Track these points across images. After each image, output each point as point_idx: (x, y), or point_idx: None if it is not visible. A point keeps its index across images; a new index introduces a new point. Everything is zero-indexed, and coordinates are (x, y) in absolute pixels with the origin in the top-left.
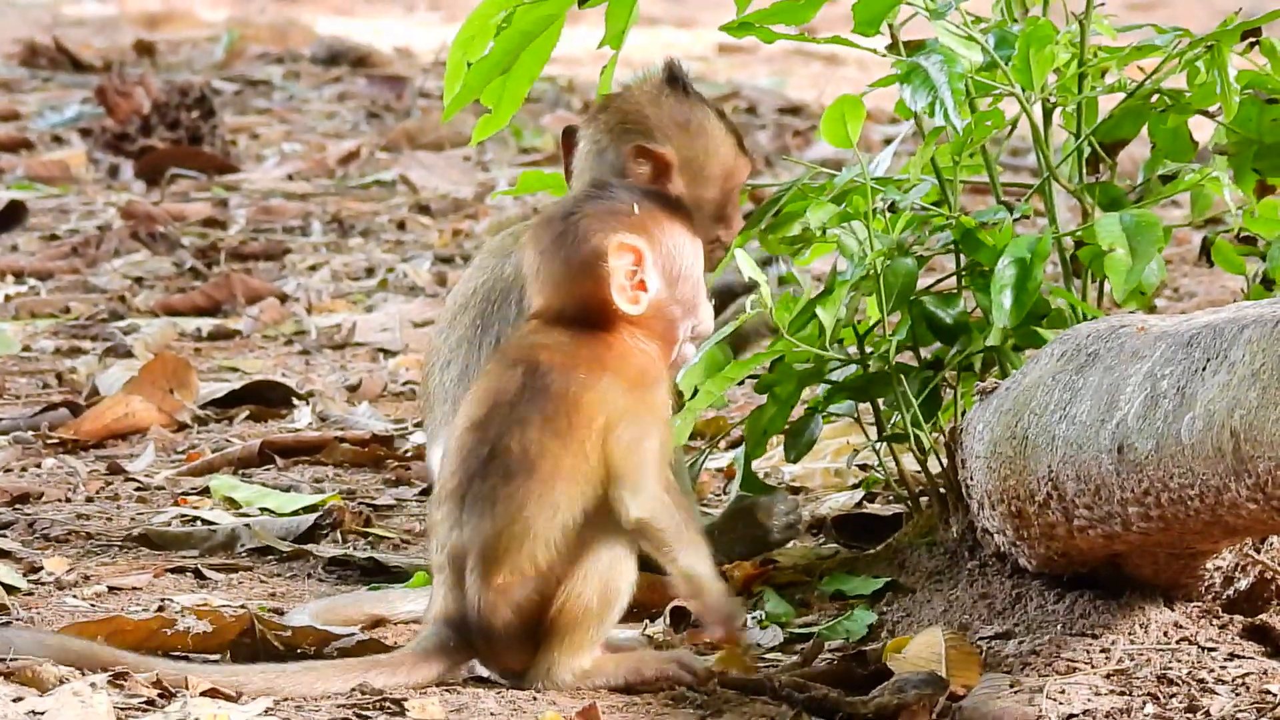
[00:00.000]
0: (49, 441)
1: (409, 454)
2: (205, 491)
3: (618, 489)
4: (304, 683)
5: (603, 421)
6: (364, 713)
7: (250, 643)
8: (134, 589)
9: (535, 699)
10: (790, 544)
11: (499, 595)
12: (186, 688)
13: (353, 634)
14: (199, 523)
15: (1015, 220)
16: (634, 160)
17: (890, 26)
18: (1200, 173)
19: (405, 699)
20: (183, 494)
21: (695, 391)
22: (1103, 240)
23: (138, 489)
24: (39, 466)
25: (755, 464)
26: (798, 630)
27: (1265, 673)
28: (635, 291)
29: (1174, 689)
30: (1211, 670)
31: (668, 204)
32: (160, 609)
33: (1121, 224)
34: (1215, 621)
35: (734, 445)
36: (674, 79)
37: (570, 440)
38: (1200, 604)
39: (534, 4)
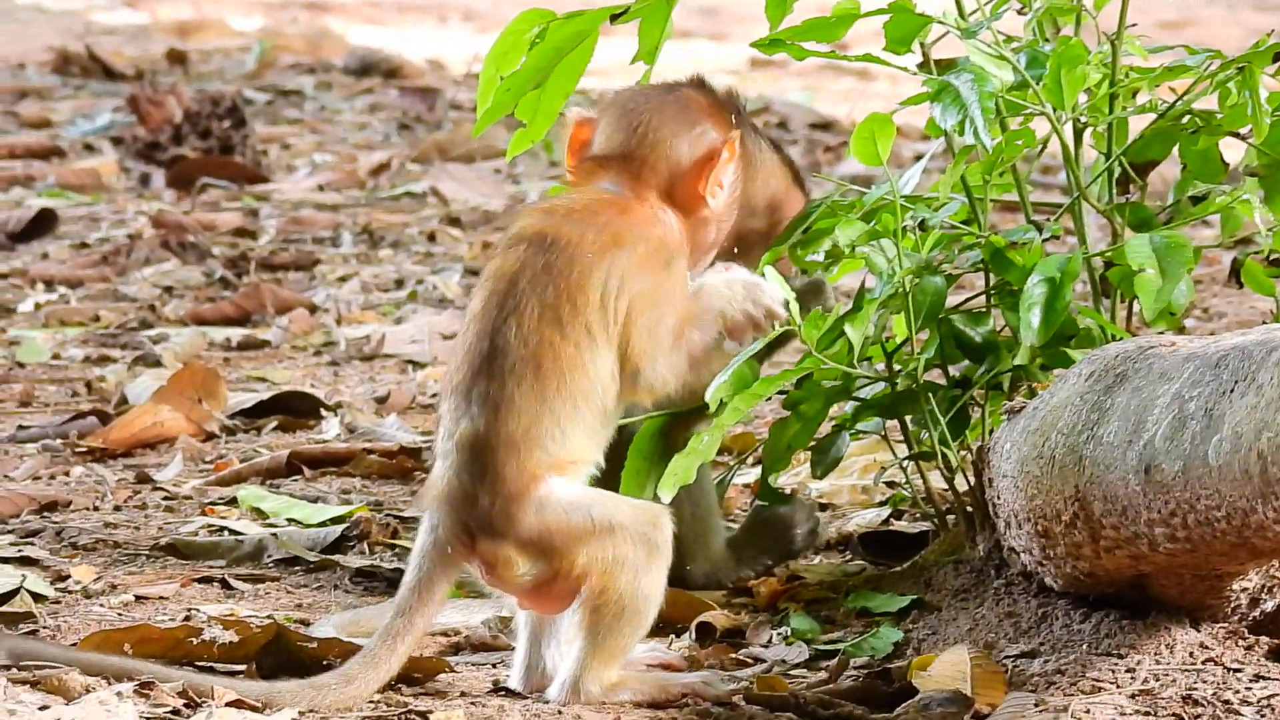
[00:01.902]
0: (77, 450)
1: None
2: (233, 501)
3: (632, 378)
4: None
5: (613, 302)
6: None
7: (276, 653)
8: (161, 598)
9: (560, 713)
10: (815, 558)
11: (511, 501)
12: (212, 698)
13: None
14: (226, 533)
15: (1045, 240)
16: None
17: (921, 45)
18: (1231, 194)
19: (430, 711)
20: (210, 504)
21: (722, 405)
22: (1132, 261)
23: (165, 498)
24: (67, 475)
25: (782, 479)
26: (823, 647)
27: None
28: (715, 187)
29: (1199, 710)
30: (1237, 691)
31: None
32: (187, 618)
33: (1151, 245)
34: (1241, 643)
35: (761, 461)
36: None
37: (573, 328)
38: (1226, 625)
39: (567, 19)
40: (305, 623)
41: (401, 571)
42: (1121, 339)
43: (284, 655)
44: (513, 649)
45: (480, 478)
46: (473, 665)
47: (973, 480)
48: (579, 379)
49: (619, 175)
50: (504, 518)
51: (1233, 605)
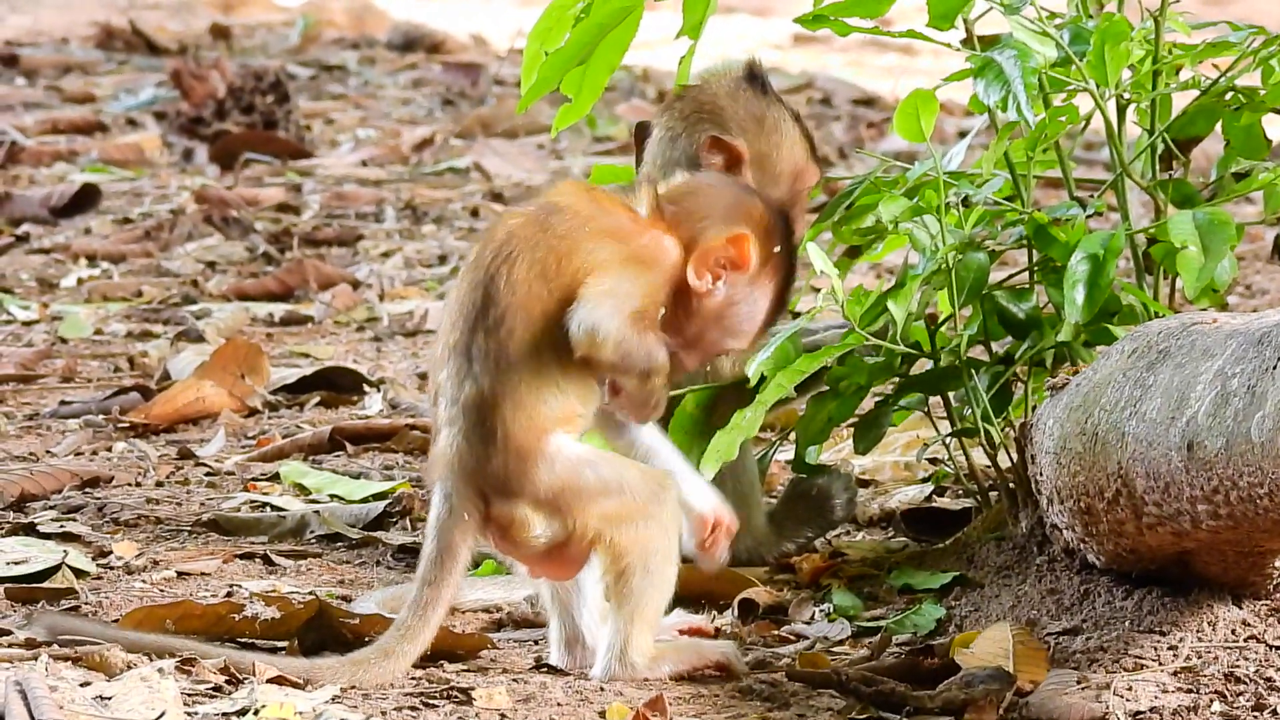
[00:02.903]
0: (120, 425)
1: None
2: (275, 477)
3: (569, 317)
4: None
5: (586, 270)
6: (431, 700)
7: (318, 630)
8: (203, 574)
9: (602, 690)
10: (858, 535)
11: (523, 458)
12: (254, 674)
13: None
14: (268, 509)
15: (1088, 216)
16: (707, 150)
17: (965, 21)
18: (1274, 171)
19: (472, 688)
20: (252, 479)
21: (761, 379)
22: (1175, 238)
23: (208, 474)
24: (109, 450)
25: (824, 456)
26: (866, 624)
27: None
28: (714, 278)
29: (1241, 687)
30: (1279, 668)
31: (790, 249)
32: (229, 594)
33: (1194, 221)
34: None
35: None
36: (753, 76)
37: (557, 285)
38: (1269, 602)
39: None
40: (347, 599)
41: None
42: (1164, 316)
43: (326, 631)
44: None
45: (490, 439)
46: (515, 642)
47: (1015, 457)
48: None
49: (659, 214)
50: (518, 475)
51: (1275, 582)
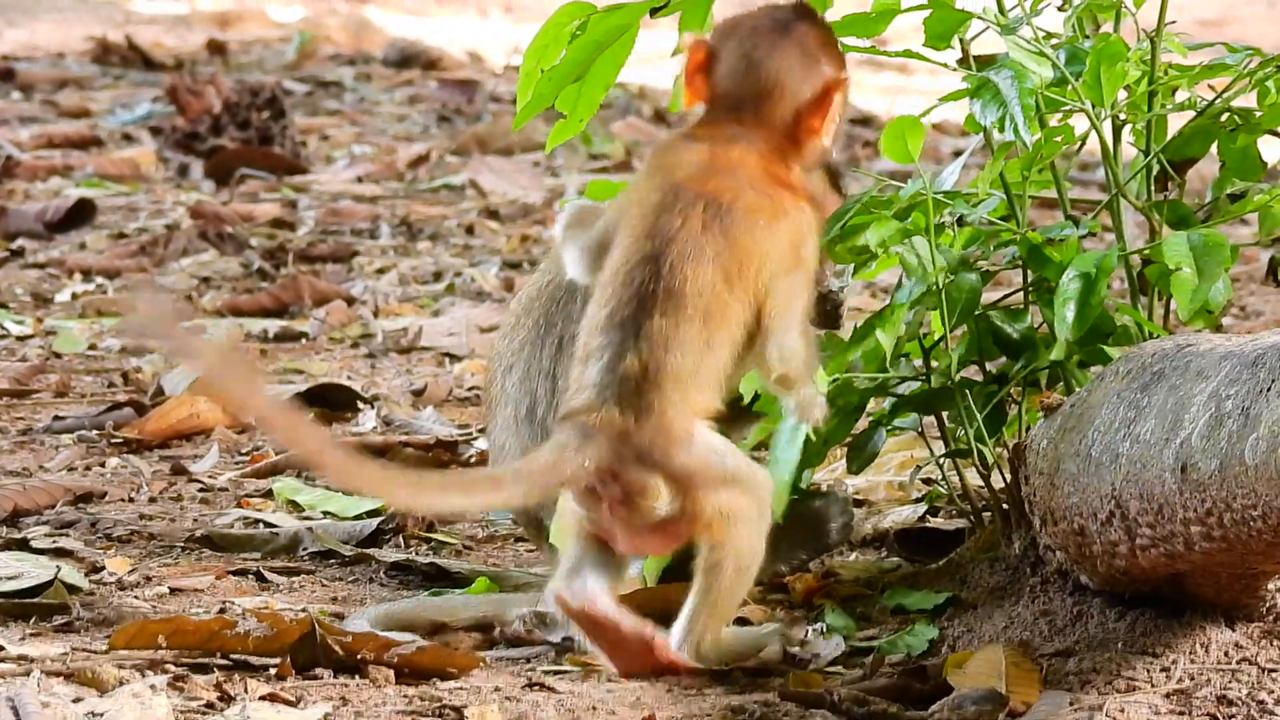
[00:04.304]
0: (113, 441)
1: (473, 459)
2: (268, 494)
3: (765, 345)
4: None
5: (768, 273)
6: (422, 718)
7: (310, 648)
8: (195, 590)
9: (594, 709)
10: (851, 555)
11: (671, 436)
12: (246, 691)
13: (413, 640)
14: (261, 525)
15: (1083, 237)
16: None
17: (961, 40)
18: (1270, 192)
19: (465, 705)
20: (246, 496)
21: (756, 398)
22: (1169, 259)
23: (201, 490)
24: (103, 466)
25: (818, 476)
26: (859, 644)
27: None
28: (830, 125)
29: (1234, 709)
30: (1272, 691)
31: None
32: (221, 611)
33: (1189, 243)
34: (1276, 642)
35: None
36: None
37: (738, 286)
38: (1261, 624)
39: (608, 13)
40: (340, 616)
41: (436, 566)
42: (1159, 337)
43: (317, 649)
44: (547, 643)
45: (644, 412)
46: (507, 660)
47: (1009, 478)
48: (736, 333)
49: (744, 119)
50: (662, 449)
51: (1268, 605)
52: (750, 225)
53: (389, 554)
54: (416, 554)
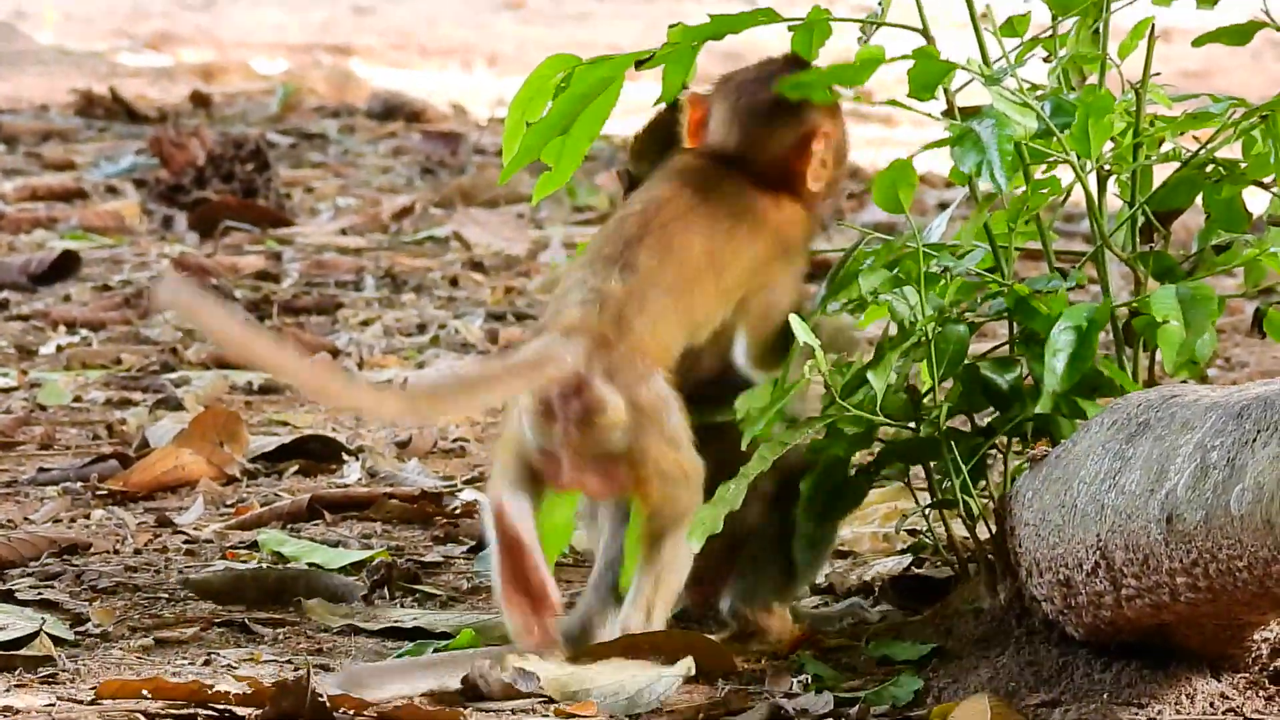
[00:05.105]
0: (98, 493)
1: (458, 511)
2: (254, 545)
3: (742, 337)
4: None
5: (746, 270)
6: None
7: (293, 699)
8: (180, 642)
9: None
10: (831, 603)
11: (639, 362)
12: None
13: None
14: (247, 576)
15: (1070, 289)
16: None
17: (946, 91)
18: (1258, 245)
19: None
20: (231, 547)
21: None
22: (1157, 312)
23: (186, 542)
24: (88, 518)
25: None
26: (844, 694)
27: None
28: (819, 170)
29: None
30: None
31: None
32: (206, 662)
33: (1177, 296)
34: (1262, 693)
35: None
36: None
37: (716, 267)
38: (1247, 675)
39: (593, 65)
40: (325, 668)
41: (421, 628)
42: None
43: (302, 702)
44: (526, 696)
45: (623, 328)
46: (490, 713)
47: (994, 528)
48: (706, 305)
49: (737, 166)
50: (629, 368)
51: (1254, 655)
52: (735, 225)
53: (375, 605)
54: (401, 605)
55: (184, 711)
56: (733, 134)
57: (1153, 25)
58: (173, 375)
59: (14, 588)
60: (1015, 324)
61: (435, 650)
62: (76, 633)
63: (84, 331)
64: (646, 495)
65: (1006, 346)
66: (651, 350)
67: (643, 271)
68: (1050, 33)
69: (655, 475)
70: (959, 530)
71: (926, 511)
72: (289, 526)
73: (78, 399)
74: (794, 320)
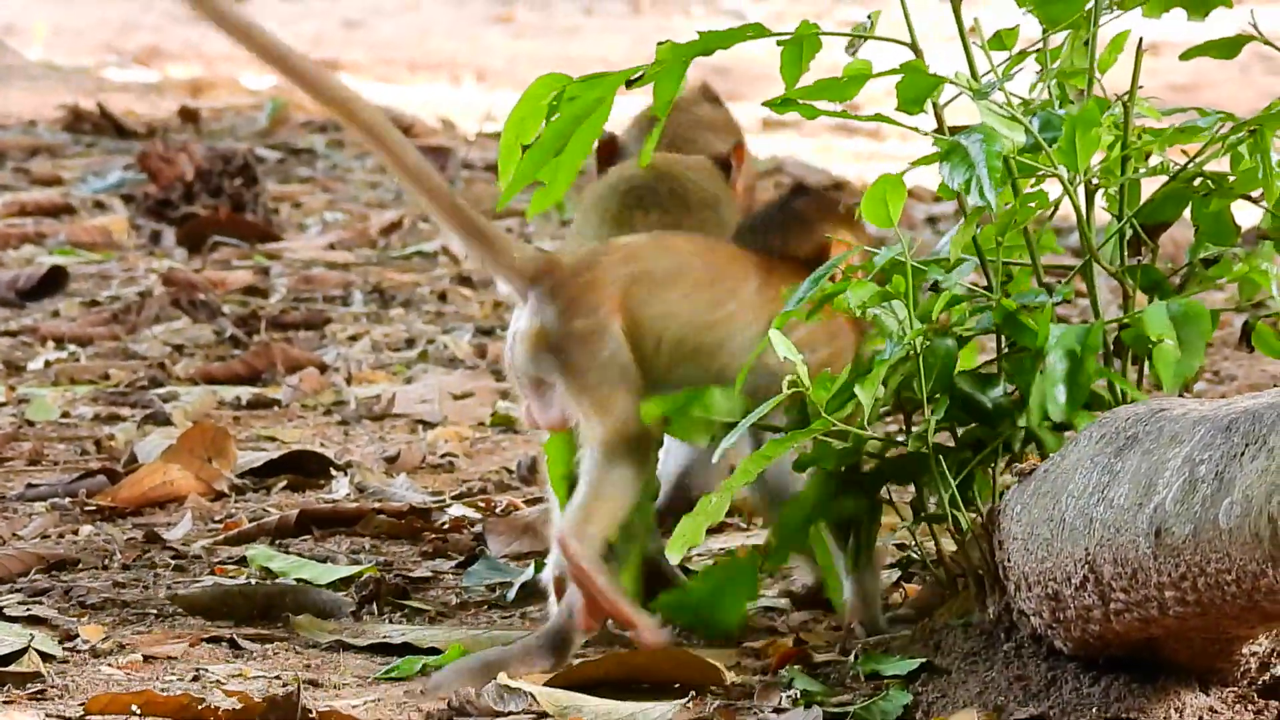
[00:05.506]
0: (86, 509)
1: (446, 526)
2: (242, 561)
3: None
4: None
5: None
6: None
7: (281, 715)
8: (169, 658)
9: None
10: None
11: (599, 286)
12: None
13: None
14: (236, 592)
15: (1057, 304)
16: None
17: (934, 105)
18: (1249, 261)
19: None
20: (219, 563)
21: (730, 469)
22: (1151, 331)
23: (175, 557)
24: (76, 534)
25: None
26: (833, 709)
27: None
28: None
29: None
30: None
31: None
32: (195, 678)
33: (1169, 313)
34: (1251, 707)
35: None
36: (711, 95)
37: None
38: (1236, 689)
39: (584, 85)
40: (314, 683)
41: (409, 644)
42: (1135, 400)
43: (288, 717)
44: (511, 714)
45: (592, 268)
46: None
47: (983, 543)
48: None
49: None
50: (578, 303)
51: (1242, 669)
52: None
53: (361, 639)
54: (390, 620)
55: None
56: None
57: (1141, 39)
58: (161, 390)
59: (2, 604)
60: (1003, 338)
61: (424, 666)
62: (65, 649)
63: (72, 347)
64: (589, 424)
65: (994, 362)
66: (613, 297)
67: (640, 228)
68: (1039, 46)
69: (590, 400)
70: (947, 545)
71: (913, 527)
72: (277, 542)
73: (66, 414)
74: (774, 335)
